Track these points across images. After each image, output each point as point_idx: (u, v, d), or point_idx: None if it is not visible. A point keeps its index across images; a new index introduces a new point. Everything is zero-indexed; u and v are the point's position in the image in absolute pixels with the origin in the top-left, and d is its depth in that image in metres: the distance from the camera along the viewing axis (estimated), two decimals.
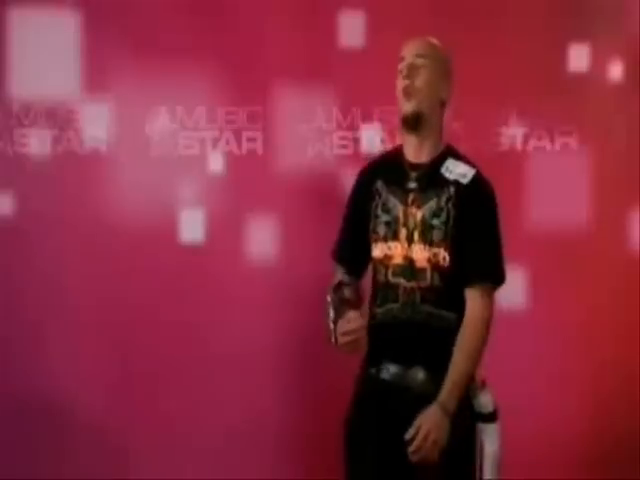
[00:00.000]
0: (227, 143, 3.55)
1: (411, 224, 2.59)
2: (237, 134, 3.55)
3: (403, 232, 2.59)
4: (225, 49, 3.51)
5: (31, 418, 3.51)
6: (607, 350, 3.56)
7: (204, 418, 3.53)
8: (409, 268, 2.58)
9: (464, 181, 2.59)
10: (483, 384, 2.59)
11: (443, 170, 2.60)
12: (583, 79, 3.55)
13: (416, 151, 2.63)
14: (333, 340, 2.54)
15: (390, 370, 2.59)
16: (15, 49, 3.50)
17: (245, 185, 3.54)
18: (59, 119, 3.52)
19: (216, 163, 3.55)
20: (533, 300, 3.54)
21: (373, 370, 2.62)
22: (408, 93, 2.58)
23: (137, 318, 3.52)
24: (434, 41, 2.68)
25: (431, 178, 2.60)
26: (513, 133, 3.55)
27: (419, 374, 2.56)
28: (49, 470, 3.49)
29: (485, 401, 2.57)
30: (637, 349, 3.55)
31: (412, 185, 2.61)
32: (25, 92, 3.51)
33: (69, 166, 3.52)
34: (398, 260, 2.60)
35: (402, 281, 2.59)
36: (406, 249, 2.59)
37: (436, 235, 2.57)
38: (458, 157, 2.66)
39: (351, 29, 3.52)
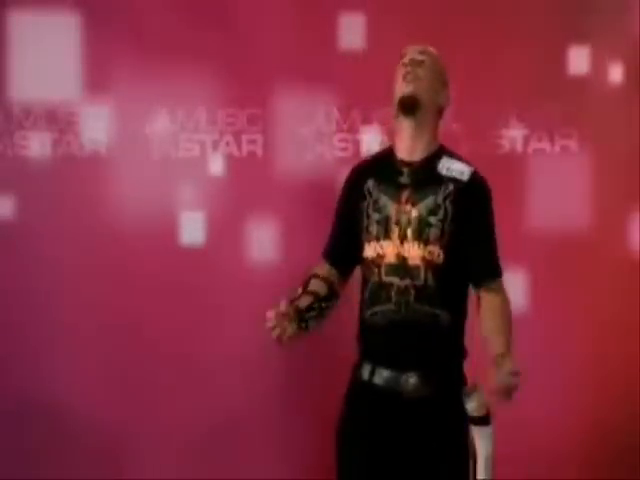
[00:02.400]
0: (227, 145, 3.55)
1: (404, 222, 2.57)
2: (237, 136, 3.55)
3: (395, 230, 2.57)
4: (225, 51, 3.51)
5: (29, 420, 3.51)
6: (608, 352, 3.56)
7: (203, 419, 3.53)
8: (402, 266, 2.56)
9: (463, 178, 2.58)
10: (475, 387, 2.58)
11: (439, 168, 2.59)
12: (583, 81, 3.55)
13: (409, 147, 2.61)
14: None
15: (383, 375, 2.58)
16: (15, 51, 3.50)
17: (245, 187, 3.54)
18: (59, 121, 3.52)
19: (216, 165, 3.55)
20: (533, 303, 3.54)
21: (366, 374, 2.61)
22: (409, 78, 2.57)
23: (137, 320, 3.52)
24: (434, 50, 2.69)
25: (426, 175, 2.58)
26: (513, 135, 3.55)
27: (411, 379, 2.56)
28: (46, 470, 3.50)
29: (478, 404, 2.56)
30: (638, 351, 3.55)
31: (405, 181, 2.59)
32: (25, 95, 3.51)
33: (69, 169, 3.52)
34: (390, 259, 2.57)
35: (395, 280, 2.56)
36: (398, 247, 2.56)
37: (433, 233, 2.55)
38: (453, 156, 2.64)
39: (351, 31, 3.51)
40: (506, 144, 3.56)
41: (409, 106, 2.58)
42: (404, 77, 2.58)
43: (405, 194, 2.58)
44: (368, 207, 2.62)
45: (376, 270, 2.60)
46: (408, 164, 2.61)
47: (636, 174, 3.55)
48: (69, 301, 3.51)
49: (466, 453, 2.57)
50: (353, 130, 3.55)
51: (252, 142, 3.55)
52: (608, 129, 3.54)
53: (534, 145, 3.56)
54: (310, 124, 3.54)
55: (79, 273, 3.51)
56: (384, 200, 2.60)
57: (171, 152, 3.55)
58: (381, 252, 2.59)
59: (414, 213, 2.56)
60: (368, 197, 2.63)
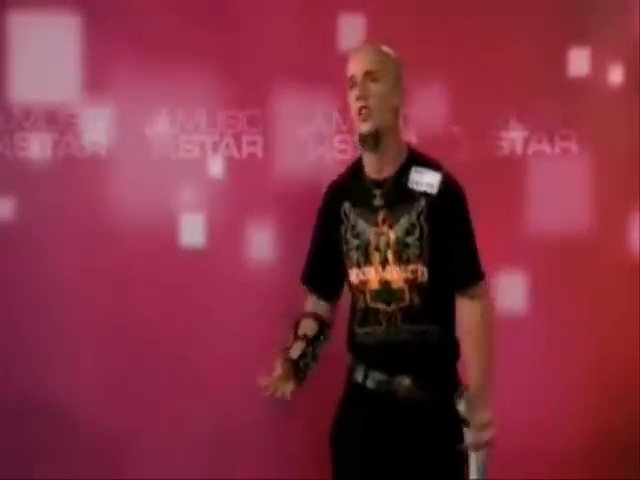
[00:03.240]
0: (227, 147, 3.55)
1: (383, 245, 2.54)
2: (237, 138, 3.55)
3: (376, 256, 2.54)
4: (225, 53, 3.51)
5: (29, 420, 3.51)
6: (608, 353, 3.55)
7: (202, 419, 3.53)
8: (386, 292, 2.54)
9: (433, 191, 2.52)
10: (468, 389, 2.58)
11: (410, 183, 2.54)
12: (583, 83, 3.55)
13: (377, 168, 2.57)
14: None
15: (376, 378, 2.57)
16: (15, 53, 3.50)
17: (245, 189, 3.54)
18: (59, 123, 3.52)
19: (216, 167, 3.55)
20: (533, 305, 3.53)
21: (359, 377, 2.61)
22: (363, 114, 2.50)
23: (137, 321, 3.52)
24: (382, 48, 2.59)
25: (398, 193, 2.54)
26: (513, 137, 3.55)
27: (405, 380, 2.55)
28: (46, 471, 3.49)
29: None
30: (638, 352, 3.55)
31: (379, 203, 2.55)
32: (25, 96, 3.51)
33: (69, 170, 3.52)
34: (374, 285, 2.55)
35: (381, 306, 2.55)
36: (380, 273, 2.54)
37: (412, 252, 2.52)
38: (421, 162, 2.58)
39: (351, 32, 3.51)
40: (506, 146, 3.56)
41: (370, 143, 2.53)
42: (358, 113, 2.51)
43: (381, 215, 2.55)
44: (346, 232, 2.59)
45: (361, 296, 2.58)
46: (379, 183, 2.56)
47: (636, 176, 3.55)
48: (69, 302, 3.51)
49: (460, 456, 2.56)
50: (353, 131, 3.53)
51: (252, 144, 3.55)
52: (608, 130, 3.54)
53: (534, 147, 3.56)
54: (310, 125, 3.54)
55: (79, 274, 3.51)
56: (362, 225, 2.56)
57: (171, 153, 3.55)
58: (364, 278, 2.57)
59: (392, 235, 2.53)
60: (345, 221, 2.59)
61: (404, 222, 2.53)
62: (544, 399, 3.53)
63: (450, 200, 2.54)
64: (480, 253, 2.59)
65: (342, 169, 3.48)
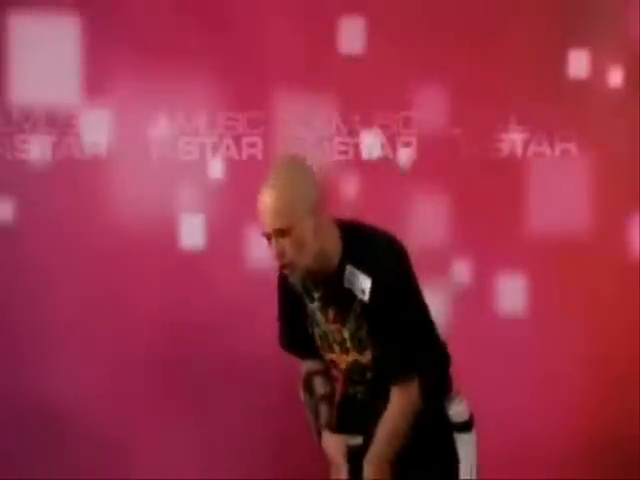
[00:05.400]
0: (227, 149, 3.56)
1: (340, 339, 2.55)
2: (237, 140, 3.56)
3: (336, 347, 2.57)
4: (225, 55, 3.51)
5: (31, 422, 3.51)
6: (607, 354, 3.56)
7: (203, 420, 3.53)
8: (357, 365, 2.56)
9: (365, 298, 2.46)
10: (457, 393, 2.59)
11: (346, 284, 2.47)
12: (583, 85, 3.55)
13: (313, 277, 2.52)
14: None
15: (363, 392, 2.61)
16: (15, 55, 3.50)
17: (245, 191, 3.53)
18: (59, 124, 3.52)
19: (216, 169, 3.55)
20: (533, 307, 3.54)
21: (350, 391, 2.63)
22: (286, 268, 2.46)
23: (138, 323, 3.52)
24: (286, 183, 2.43)
25: (336, 294, 2.49)
26: (513, 139, 3.56)
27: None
28: (49, 472, 3.50)
29: (458, 410, 2.57)
30: (637, 354, 3.55)
31: (320, 304, 2.53)
32: (25, 98, 3.51)
33: (69, 172, 3.52)
34: (343, 365, 2.58)
35: (356, 376, 2.59)
36: (345, 358, 2.56)
37: (367, 343, 2.51)
38: (355, 256, 2.48)
39: (351, 35, 3.52)
40: (506, 148, 3.56)
41: (302, 279, 2.51)
42: (281, 267, 2.46)
43: (331, 314, 2.54)
44: (308, 317, 2.60)
45: (334, 369, 2.63)
46: (317, 284, 2.53)
47: (636, 177, 3.55)
48: (68, 304, 3.51)
49: (452, 459, 2.57)
50: (353, 133, 3.55)
51: (252, 145, 3.55)
52: (608, 132, 3.54)
53: (534, 149, 3.57)
54: (310, 127, 3.55)
55: (79, 276, 3.51)
56: (319, 316, 2.56)
57: (171, 155, 3.55)
58: (332, 359, 2.60)
59: (345, 334, 2.53)
60: (308, 304, 2.58)
61: (352, 320, 2.52)
62: (544, 399, 3.53)
63: (381, 301, 2.46)
64: (420, 347, 2.51)
65: (342, 171, 3.51)
